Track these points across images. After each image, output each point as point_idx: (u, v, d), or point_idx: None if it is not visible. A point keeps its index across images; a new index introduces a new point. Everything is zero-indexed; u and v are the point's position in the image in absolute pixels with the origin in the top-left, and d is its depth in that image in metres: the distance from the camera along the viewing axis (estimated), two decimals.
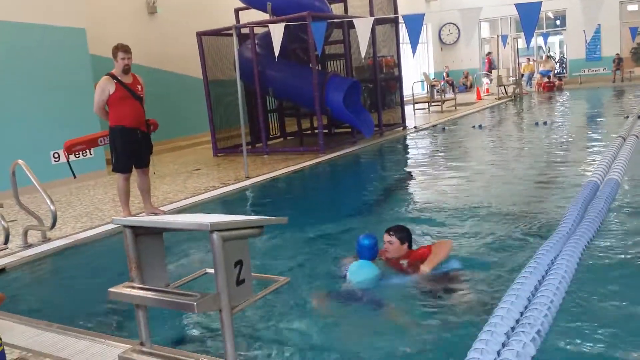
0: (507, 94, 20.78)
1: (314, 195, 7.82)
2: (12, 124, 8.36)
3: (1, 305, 2.18)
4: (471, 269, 4.08)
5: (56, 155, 8.82)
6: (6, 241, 5.34)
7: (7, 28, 8.34)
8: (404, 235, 4.02)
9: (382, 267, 4.00)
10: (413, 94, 17.34)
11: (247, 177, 8.38)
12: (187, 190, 7.76)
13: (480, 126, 12.98)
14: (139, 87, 6.08)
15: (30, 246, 5.53)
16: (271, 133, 12.26)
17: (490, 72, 23.74)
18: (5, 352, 3.27)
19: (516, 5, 6.52)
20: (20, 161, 5.52)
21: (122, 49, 5.91)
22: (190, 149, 12.69)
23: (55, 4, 9.03)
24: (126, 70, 5.95)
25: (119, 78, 5.93)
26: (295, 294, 3.86)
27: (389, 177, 8.62)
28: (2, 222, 5.33)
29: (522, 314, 2.96)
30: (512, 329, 2.80)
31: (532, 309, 2.97)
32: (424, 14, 6.70)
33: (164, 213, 6.32)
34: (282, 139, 12.75)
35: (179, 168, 9.92)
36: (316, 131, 11.45)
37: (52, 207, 5.32)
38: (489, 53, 25.18)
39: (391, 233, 4.01)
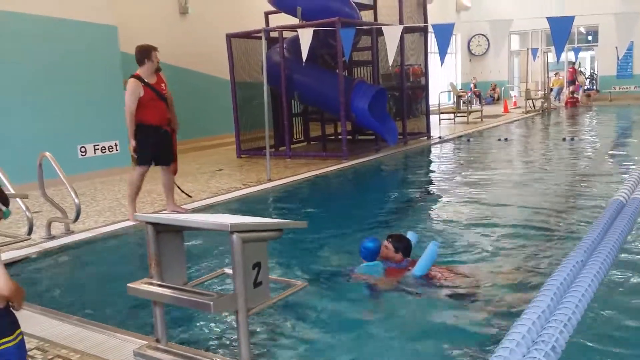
0: (534, 107, 20.54)
1: (335, 201, 7.80)
2: (42, 117, 8.53)
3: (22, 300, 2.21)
4: (492, 282, 4.04)
5: (83, 149, 8.97)
6: (30, 232, 5.43)
7: (40, 22, 8.52)
8: (399, 245, 4.35)
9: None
10: (439, 104, 17.24)
11: (269, 180, 8.41)
12: (210, 190, 7.81)
13: (506, 139, 12.84)
14: (163, 85, 6.12)
15: (53, 238, 5.62)
16: (295, 137, 12.29)
17: (575, 83, 23.14)
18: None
19: (548, 18, 6.45)
20: (47, 153, 5.61)
21: (154, 48, 5.96)
22: (214, 149, 12.78)
23: (89, 1, 9.20)
24: (158, 69, 6.02)
25: (146, 80, 5.94)
26: (310, 297, 3.86)
27: (411, 186, 8.56)
28: (27, 213, 5.41)
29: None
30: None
31: (548, 326, 2.91)
32: (453, 24, 6.66)
33: (186, 212, 6.37)
34: (305, 144, 12.77)
35: (202, 168, 9.99)
36: (340, 137, 11.45)
37: (76, 201, 5.39)
38: (573, 63, 23.88)
39: (389, 240, 4.39)
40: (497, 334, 3.24)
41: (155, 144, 6.08)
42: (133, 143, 5.96)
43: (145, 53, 5.90)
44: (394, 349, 3.14)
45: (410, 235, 4.62)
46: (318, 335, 3.41)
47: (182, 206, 6.62)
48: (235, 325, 2.30)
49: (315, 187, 8.39)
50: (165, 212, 6.38)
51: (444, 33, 6.57)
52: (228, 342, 3.38)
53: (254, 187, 7.99)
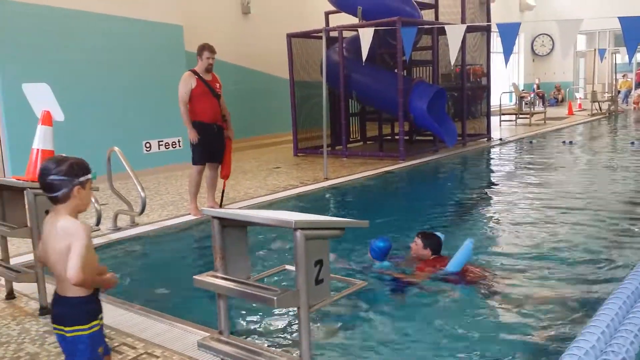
0: (601, 110, 19.75)
1: (390, 202, 7.75)
2: (110, 114, 8.87)
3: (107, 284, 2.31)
4: (555, 290, 3.93)
5: (148, 145, 9.27)
6: (97, 223, 5.66)
7: (108, 21, 8.87)
8: (428, 242, 4.41)
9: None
10: (500, 105, 16.83)
11: (326, 179, 8.45)
12: (267, 187, 7.92)
13: (570, 142, 12.41)
14: (218, 85, 6.34)
15: (119, 229, 5.84)
16: (351, 136, 12.29)
17: None
18: None
19: (620, 18, 6.18)
20: (116, 148, 5.83)
21: (208, 48, 6.18)
22: (271, 147, 12.94)
23: (156, 0, 9.49)
24: (208, 69, 6.22)
25: (200, 75, 6.18)
26: (367, 296, 3.86)
27: (469, 189, 8.37)
28: (96, 205, 5.65)
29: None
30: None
31: (618, 336, 2.80)
32: (519, 23, 6.49)
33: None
34: (361, 143, 12.74)
35: (261, 165, 10.14)
36: (397, 137, 11.36)
37: (142, 194, 5.58)
38: None
39: (419, 236, 4.47)
40: (525, 334, 3.18)
41: (209, 142, 6.25)
42: (193, 134, 6.13)
43: (199, 50, 6.24)
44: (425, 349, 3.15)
45: (439, 235, 4.61)
46: (363, 335, 3.42)
47: (226, 206, 6.71)
48: (295, 322, 2.33)
49: (372, 187, 8.36)
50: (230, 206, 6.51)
51: (510, 33, 6.41)
52: (286, 338, 3.44)
53: (310, 185, 8.05)
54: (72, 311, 2.18)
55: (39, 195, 3.69)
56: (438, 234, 4.57)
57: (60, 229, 2.13)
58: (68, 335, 2.18)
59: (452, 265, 4.18)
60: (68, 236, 2.10)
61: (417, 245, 4.43)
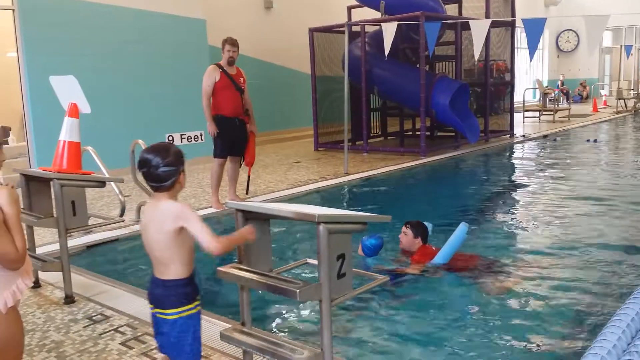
0: (626, 107, 19.41)
1: (411, 197, 7.73)
2: (134, 106, 8.98)
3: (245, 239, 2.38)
4: (574, 292, 3.89)
5: (170, 138, 9.36)
6: (122, 214, 5.74)
7: (133, 15, 8.96)
8: (418, 231, 4.44)
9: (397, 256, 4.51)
10: (524, 101, 16.65)
11: (346, 174, 8.45)
12: (288, 182, 7.95)
13: (595, 140, 12.22)
14: (242, 79, 6.39)
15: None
16: (372, 132, 12.26)
17: None
18: (115, 318, 3.54)
19: None
20: (140, 141, 5.90)
21: (229, 42, 6.26)
22: (292, 141, 12.98)
23: None
24: (230, 62, 6.28)
25: (224, 68, 6.23)
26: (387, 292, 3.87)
27: (490, 187, 8.29)
28: (120, 197, 5.72)
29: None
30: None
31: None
32: (545, 19, 6.40)
33: None
34: (382, 138, 12.71)
35: (281, 159, 10.18)
36: (418, 133, 11.30)
37: None
38: None
39: (407, 226, 4.47)
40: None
41: (230, 136, 6.30)
42: (212, 127, 6.20)
43: (222, 45, 6.31)
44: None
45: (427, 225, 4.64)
46: (379, 330, 3.44)
47: (246, 199, 6.75)
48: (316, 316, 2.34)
49: (392, 183, 8.34)
50: (250, 199, 6.55)
51: (535, 28, 6.32)
52: (305, 331, 3.46)
53: (331, 179, 8.06)
54: (171, 293, 2.24)
55: (65, 186, 3.76)
56: (425, 222, 4.61)
57: (166, 214, 2.18)
58: (169, 317, 2.24)
59: (440, 257, 4.26)
60: (177, 219, 2.17)
61: (407, 235, 4.46)
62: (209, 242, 2.15)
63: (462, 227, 4.33)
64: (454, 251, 4.29)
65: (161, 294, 2.25)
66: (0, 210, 2.00)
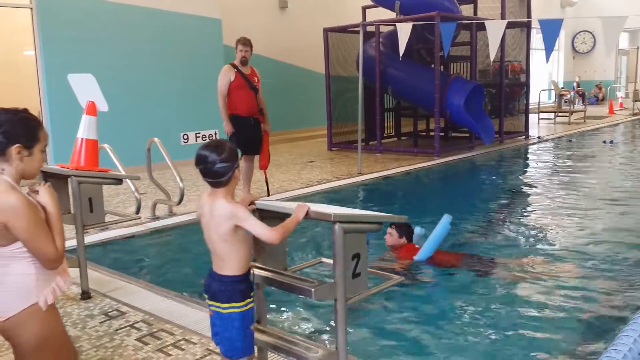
0: None
1: (424, 198, 7.71)
2: (150, 105, 9.05)
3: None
4: (584, 301, 3.88)
5: (185, 136, 9.42)
6: (137, 211, 5.79)
7: (149, 14, 9.02)
8: (403, 231, 4.70)
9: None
10: (539, 103, 16.53)
11: (360, 174, 8.45)
12: (301, 181, 7.97)
13: (611, 142, 12.11)
14: (256, 79, 6.45)
15: (157, 218, 5.96)
16: (386, 132, 12.24)
17: None
18: (130, 314, 3.57)
19: None
20: (155, 139, 5.95)
21: (242, 42, 6.31)
22: (305, 141, 12.99)
23: None
24: (243, 62, 6.33)
25: (239, 68, 6.28)
26: (401, 292, 3.87)
27: (504, 189, 8.25)
28: (136, 194, 5.77)
29: None
30: None
31: None
32: (562, 20, 6.36)
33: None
34: (396, 139, 12.69)
35: (295, 159, 10.20)
36: (432, 133, 11.27)
37: (180, 184, 5.68)
38: None
39: (393, 227, 4.72)
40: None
41: (245, 135, 6.34)
42: (228, 127, 6.25)
43: (235, 45, 6.36)
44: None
45: (418, 229, 4.81)
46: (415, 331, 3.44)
47: (259, 198, 6.78)
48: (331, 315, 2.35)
49: (406, 183, 8.33)
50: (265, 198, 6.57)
51: (552, 29, 6.28)
52: (320, 330, 3.48)
53: (344, 179, 8.06)
54: (227, 289, 2.30)
55: (83, 183, 3.80)
56: (418, 228, 4.78)
57: (221, 214, 2.24)
58: (223, 311, 2.31)
59: (420, 254, 4.41)
60: (230, 220, 2.22)
61: (392, 236, 4.70)
62: (266, 235, 2.22)
63: (445, 219, 4.44)
64: (438, 243, 4.44)
65: (217, 288, 2.32)
66: (44, 210, 2.02)
